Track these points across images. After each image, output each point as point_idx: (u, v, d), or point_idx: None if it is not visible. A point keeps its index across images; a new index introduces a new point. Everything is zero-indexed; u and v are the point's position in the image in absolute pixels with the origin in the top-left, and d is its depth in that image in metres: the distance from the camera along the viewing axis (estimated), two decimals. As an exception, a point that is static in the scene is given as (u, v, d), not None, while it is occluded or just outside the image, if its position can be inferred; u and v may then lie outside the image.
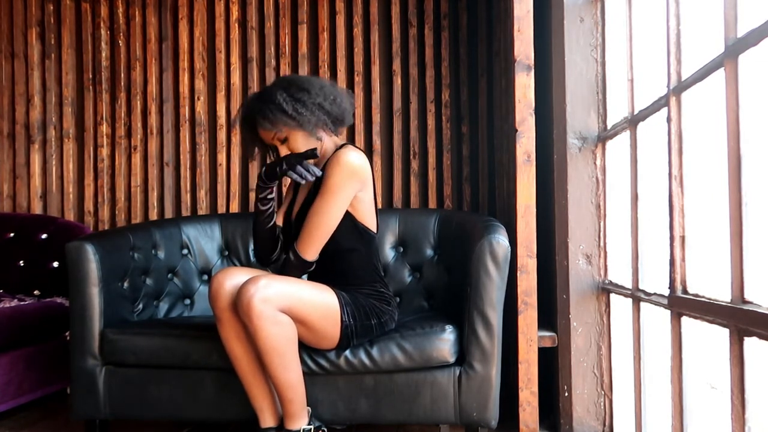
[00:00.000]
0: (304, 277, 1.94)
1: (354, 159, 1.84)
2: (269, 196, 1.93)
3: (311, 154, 1.85)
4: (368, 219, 1.94)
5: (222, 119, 3.01)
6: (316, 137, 1.90)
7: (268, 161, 2.01)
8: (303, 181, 1.85)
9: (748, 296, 1.20)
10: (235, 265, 2.52)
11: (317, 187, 1.89)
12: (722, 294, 1.30)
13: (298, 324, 1.77)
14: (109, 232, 2.42)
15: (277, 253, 2.01)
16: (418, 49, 2.93)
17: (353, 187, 1.85)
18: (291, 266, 1.87)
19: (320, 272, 1.92)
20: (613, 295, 2.08)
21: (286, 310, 1.73)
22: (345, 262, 1.93)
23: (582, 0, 2.14)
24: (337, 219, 1.86)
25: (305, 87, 1.86)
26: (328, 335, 1.84)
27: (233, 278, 1.79)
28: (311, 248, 1.86)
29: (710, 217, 1.46)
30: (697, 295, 1.43)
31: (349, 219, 1.89)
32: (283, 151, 1.88)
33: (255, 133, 1.91)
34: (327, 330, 1.83)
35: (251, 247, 2.55)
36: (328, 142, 1.97)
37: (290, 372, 1.76)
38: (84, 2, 3.10)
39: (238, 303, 1.71)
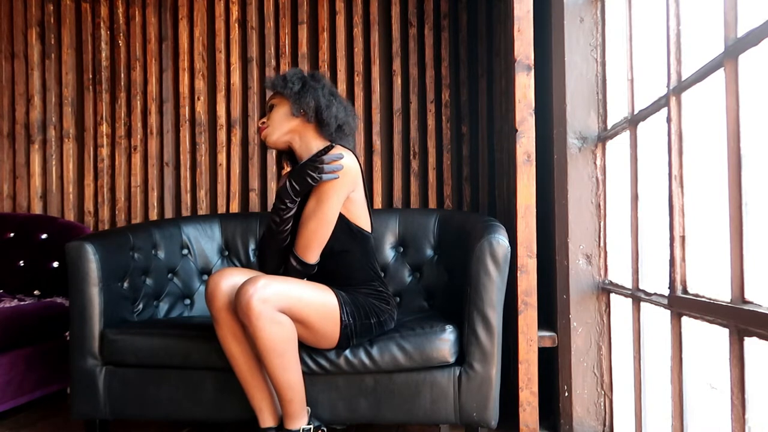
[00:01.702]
0: (303, 277, 1.93)
1: (345, 161, 1.83)
2: (291, 213, 1.87)
3: (321, 159, 1.82)
4: (361, 219, 1.93)
5: (222, 119, 3.01)
6: (294, 121, 1.95)
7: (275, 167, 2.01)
8: (338, 176, 1.81)
9: (748, 296, 1.20)
10: (235, 265, 2.53)
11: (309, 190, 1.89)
12: (722, 294, 1.30)
13: (297, 324, 1.77)
14: (109, 232, 2.41)
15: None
16: (418, 49, 2.93)
17: (346, 188, 1.84)
18: (293, 271, 1.86)
19: (317, 274, 1.92)
20: (613, 295, 2.08)
21: (286, 310, 1.73)
22: (341, 263, 1.93)
23: (582, 0, 2.14)
24: (333, 220, 1.85)
25: (317, 76, 2.00)
26: (328, 335, 1.84)
27: (229, 279, 1.80)
28: (312, 252, 1.85)
29: (710, 217, 1.46)
30: (697, 295, 1.43)
31: (342, 221, 1.89)
32: (268, 119, 1.98)
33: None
34: (326, 329, 1.82)
35: (251, 247, 2.55)
36: (312, 140, 1.96)
37: (290, 372, 1.76)
38: (84, 2, 3.11)
39: (237, 303, 1.71)
